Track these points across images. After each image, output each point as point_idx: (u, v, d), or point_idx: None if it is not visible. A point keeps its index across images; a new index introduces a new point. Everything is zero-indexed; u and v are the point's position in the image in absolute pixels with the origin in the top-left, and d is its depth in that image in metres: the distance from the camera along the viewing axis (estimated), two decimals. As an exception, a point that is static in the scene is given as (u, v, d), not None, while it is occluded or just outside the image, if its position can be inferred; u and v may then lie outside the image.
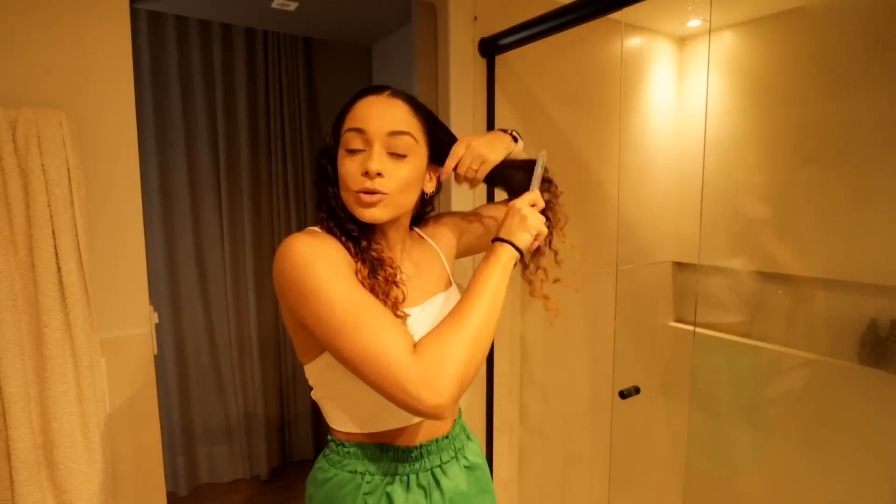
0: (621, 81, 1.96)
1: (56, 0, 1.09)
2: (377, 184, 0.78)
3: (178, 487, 2.55)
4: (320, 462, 0.90)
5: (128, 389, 1.22)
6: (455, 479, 0.88)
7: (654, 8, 1.87)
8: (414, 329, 0.78)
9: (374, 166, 0.77)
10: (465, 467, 0.91)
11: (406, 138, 0.80)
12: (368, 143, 0.78)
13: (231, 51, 2.47)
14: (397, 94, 0.83)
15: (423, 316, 0.84)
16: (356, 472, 0.84)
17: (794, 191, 1.77)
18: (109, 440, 1.16)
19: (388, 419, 0.84)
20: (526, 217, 0.83)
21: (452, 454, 0.89)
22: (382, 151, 0.79)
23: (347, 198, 0.81)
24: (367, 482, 0.83)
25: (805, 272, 1.76)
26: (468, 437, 0.96)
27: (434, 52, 1.66)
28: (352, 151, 0.79)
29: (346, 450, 0.86)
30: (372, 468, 0.84)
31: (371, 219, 0.80)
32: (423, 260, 0.93)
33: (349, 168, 0.79)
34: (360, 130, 0.78)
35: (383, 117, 0.79)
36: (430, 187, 0.89)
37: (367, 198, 0.78)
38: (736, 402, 1.93)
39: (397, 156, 0.80)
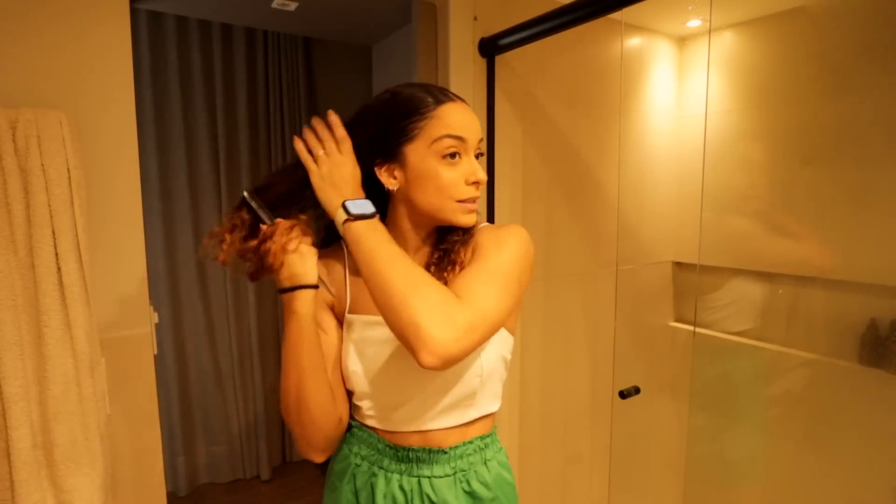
0: (621, 81, 1.96)
1: (56, 0, 1.09)
2: (479, 190, 0.82)
3: (178, 487, 2.55)
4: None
5: (128, 389, 1.22)
6: (444, 497, 0.82)
7: (654, 8, 1.87)
8: (348, 349, 0.85)
9: (483, 175, 0.80)
10: (466, 492, 0.84)
11: (482, 143, 0.84)
12: (466, 150, 0.80)
13: (231, 51, 2.47)
14: (461, 98, 0.84)
15: (362, 330, 0.85)
16: (352, 451, 0.88)
17: (794, 191, 1.77)
18: (109, 440, 1.15)
19: (365, 413, 0.87)
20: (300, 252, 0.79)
21: (449, 472, 0.83)
22: (473, 157, 0.81)
23: (443, 205, 0.80)
24: (357, 465, 0.87)
25: (805, 272, 1.76)
26: (484, 463, 0.87)
27: (434, 52, 1.66)
28: (449, 158, 0.79)
29: (352, 428, 0.90)
30: (364, 452, 0.87)
31: (471, 223, 0.82)
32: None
33: (451, 176, 0.79)
34: (461, 139, 0.79)
35: (473, 125, 0.81)
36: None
37: (472, 205, 0.81)
38: (736, 402, 1.93)
39: (477, 157, 0.83)
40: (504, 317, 0.74)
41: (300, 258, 0.77)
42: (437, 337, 0.64)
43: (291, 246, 0.77)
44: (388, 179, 0.81)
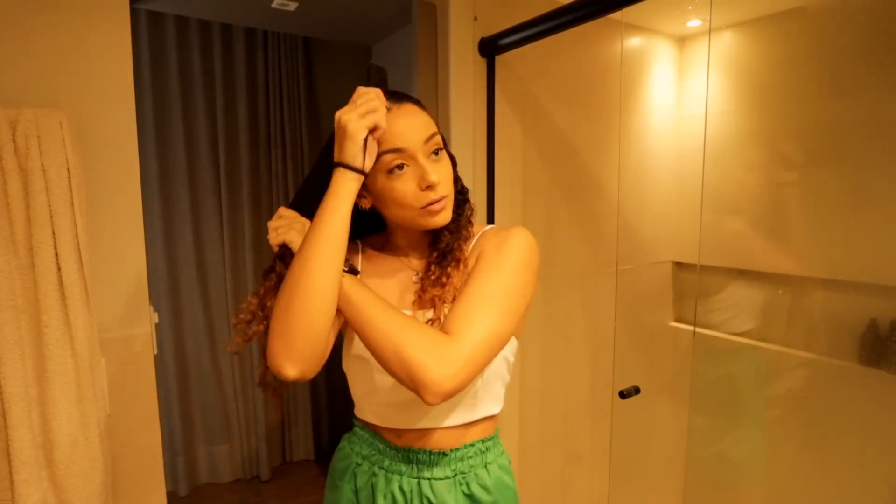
0: (621, 81, 1.96)
1: (56, 0, 1.09)
2: (439, 191, 0.78)
3: (178, 487, 2.55)
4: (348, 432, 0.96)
5: (128, 389, 1.22)
6: (443, 499, 0.82)
7: (654, 8, 1.87)
8: (352, 335, 0.82)
9: (434, 177, 0.77)
10: (465, 495, 0.84)
11: (436, 136, 0.80)
12: (411, 157, 0.77)
13: (231, 51, 2.47)
14: (402, 97, 0.81)
15: None
16: (353, 450, 0.89)
17: (794, 191, 1.77)
18: (109, 440, 1.16)
19: (368, 411, 0.87)
20: (345, 128, 0.72)
21: (449, 474, 0.84)
22: (426, 159, 0.78)
23: (407, 215, 0.79)
24: (358, 464, 0.88)
25: (805, 272, 1.76)
26: (485, 467, 0.87)
27: (434, 53, 1.66)
28: (396, 170, 0.77)
29: (354, 427, 0.91)
30: (365, 452, 0.88)
31: (443, 222, 0.80)
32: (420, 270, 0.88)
33: (403, 188, 0.77)
34: (400, 150, 0.76)
35: (413, 129, 0.77)
36: None
37: (436, 207, 0.78)
38: (736, 402, 1.93)
39: (434, 155, 0.79)
40: (506, 336, 0.76)
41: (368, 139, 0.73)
42: (435, 377, 0.68)
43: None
44: (361, 200, 0.82)
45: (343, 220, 0.73)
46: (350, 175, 0.73)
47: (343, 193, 0.73)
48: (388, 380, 0.82)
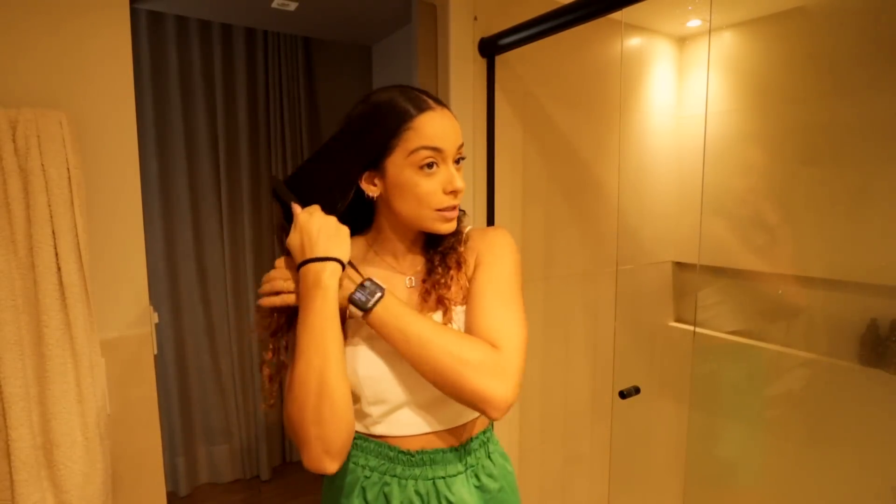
0: (621, 81, 1.96)
1: (56, 1, 1.09)
2: (459, 198, 0.82)
3: (178, 487, 2.55)
4: None
5: (128, 389, 1.22)
6: (460, 494, 0.83)
7: (654, 8, 1.87)
8: (355, 353, 0.81)
9: (461, 184, 0.80)
10: (476, 487, 0.86)
11: (463, 147, 0.83)
12: (444, 159, 0.79)
13: (231, 51, 2.47)
14: (441, 102, 0.82)
15: (370, 330, 0.79)
16: (358, 464, 0.86)
17: (794, 191, 1.77)
18: (109, 440, 1.15)
19: (373, 422, 0.84)
20: (318, 227, 0.75)
21: (461, 469, 0.85)
22: (453, 165, 0.81)
23: (421, 213, 0.80)
24: (367, 477, 0.85)
25: (805, 272, 1.76)
26: (489, 457, 0.89)
27: (434, 53, 1.66)
28: (426, 168, 0.78)
29: (355, 441, 0.87)
30: (373, 463, 0.85)
31: (451, 229, 0.83)
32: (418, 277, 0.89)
33: (429, 186, 0.79)
34: (438, 149, 0.78)
35: (451, 134, 0.80)
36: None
37: (451, 213, 0.81)
38: (736, 402, 1.93)
39: (457, 164, 0.82)
40: (527, 331, 0.81)
41: (336, 231, 0.76)
42: (500, 395, 0.72)
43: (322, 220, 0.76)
44: (369, 187, 0.82)
45: (337, 313, 0.73)
46: (339, 269, 0.74)
47: (335, 288, 0.73)
48: (395, 386, 0.81)
